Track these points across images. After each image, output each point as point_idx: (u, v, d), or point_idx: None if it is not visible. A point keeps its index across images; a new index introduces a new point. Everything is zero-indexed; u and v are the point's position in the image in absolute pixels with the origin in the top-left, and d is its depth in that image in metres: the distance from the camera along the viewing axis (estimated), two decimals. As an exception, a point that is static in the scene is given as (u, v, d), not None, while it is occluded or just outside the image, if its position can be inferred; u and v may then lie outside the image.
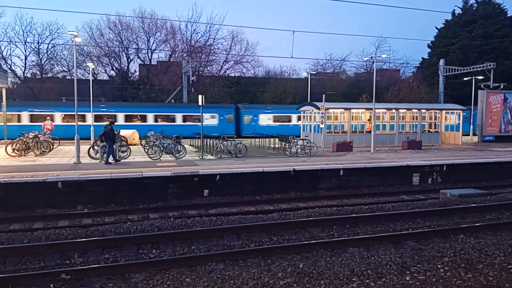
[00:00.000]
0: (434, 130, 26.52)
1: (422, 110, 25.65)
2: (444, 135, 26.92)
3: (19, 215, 11.74)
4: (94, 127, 25.10)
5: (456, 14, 49.14)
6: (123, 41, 47.66)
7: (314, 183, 15.44)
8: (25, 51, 44.54)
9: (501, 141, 27.72)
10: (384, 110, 25.36)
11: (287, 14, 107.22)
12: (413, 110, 26.01)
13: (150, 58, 50.08)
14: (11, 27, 49.86)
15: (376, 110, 22.63)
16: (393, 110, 24.99)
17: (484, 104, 27.87)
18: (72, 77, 39.15)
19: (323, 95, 21.30)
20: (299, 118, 29.88)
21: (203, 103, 18.26)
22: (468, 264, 7.26)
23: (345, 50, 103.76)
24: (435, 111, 26.54)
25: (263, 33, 60.35)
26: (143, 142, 22.13)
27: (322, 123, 20.80)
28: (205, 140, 20.72)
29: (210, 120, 32.55)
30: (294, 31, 35.07)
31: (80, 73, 45.41)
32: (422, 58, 52.34)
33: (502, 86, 31.40)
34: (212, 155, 19.01)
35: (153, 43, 49.15)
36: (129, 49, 48.18)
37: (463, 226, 9.59)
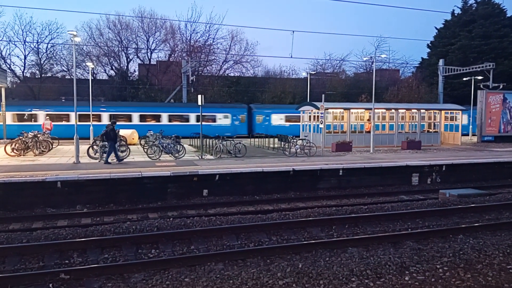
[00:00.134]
0: (434, 130, 26.53)
1: (422, 110, 25.67)
2: (443, 135, 26.91)
3: (18, 214, 11.74)
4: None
5: (456, 14, 49.19)
6: (123, 41, 47.62)
7: (313, 183, 15.44)
8: (25, 51, 44.52)
9: (500, 141, 27.73)
10: (384, 110, 25.35)
11: (287, 14, 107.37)
12: (413, 110, 26.01)
13: (149, 57, 50.13)
14: (11, 26, 49.66)
15: (376, 110, 22.65)
16: (393, 110, 24.98)
17: (483, 104, 27.88)
18: (72, 76, 39.15)
19: (323, 95, 21.33)
20: None
21: (203, 103, 18.29)
22: (467, 264, 7.27)
23: (344, 50, 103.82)
24: (435, 111, 26.56)
25: (263, 33, 60.09)
26: (143, 142, 22.12)
27: (321, 123, 20.81)
28: (205, 140, 20.73)
29: (223, 120, 32.69)
30: (293, 31, 35.07)
31: (79, 72, 45.43)
32: (422, 58, 52.45)
33: (501, 86, 31.39)
34: (212, 155, 19.02)
35: (153, 42, 49.20)
36: (128, 48, 48.16)
37: (462, 226, 9.59)
